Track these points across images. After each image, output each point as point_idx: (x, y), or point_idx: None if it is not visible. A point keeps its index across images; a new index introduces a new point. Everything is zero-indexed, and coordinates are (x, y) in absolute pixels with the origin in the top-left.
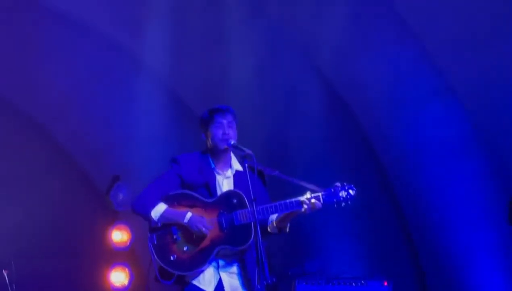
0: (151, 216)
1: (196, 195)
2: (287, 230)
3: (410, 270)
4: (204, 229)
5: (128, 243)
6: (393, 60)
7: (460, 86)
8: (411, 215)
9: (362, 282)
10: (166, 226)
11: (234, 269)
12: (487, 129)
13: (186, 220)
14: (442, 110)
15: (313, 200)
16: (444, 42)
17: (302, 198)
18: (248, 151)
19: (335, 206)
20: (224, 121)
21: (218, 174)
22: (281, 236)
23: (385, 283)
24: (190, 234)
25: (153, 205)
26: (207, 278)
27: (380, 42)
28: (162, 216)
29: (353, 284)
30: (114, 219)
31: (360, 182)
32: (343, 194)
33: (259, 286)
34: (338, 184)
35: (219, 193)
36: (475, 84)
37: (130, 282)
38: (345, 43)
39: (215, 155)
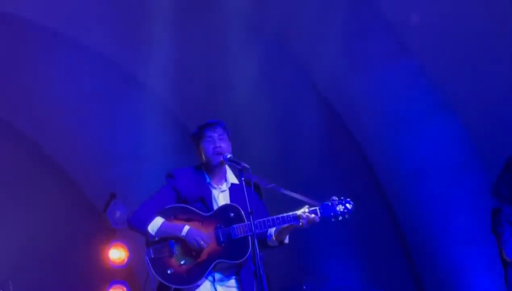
0: (148, 231)
1: (193, 208)
2: (287, 241)
3: (409, 284)
4: (202, 242)
5: (126, 261)
6: (391, 77)
7: (459, 102)
8: (410, 231)
9: None
10: (163, 240)
11: (232, 282)
12: (486, 145)
13: (183, 233)
14: (441, 125)
15: (310, 214)
16: (441, 58)
17: (299, 212)
18: (244, 164)
19: (332, 219)
20: (215, 135)
21: (214, 188)
22: (278, 250)
23: None
24: (188, 247)
25: (150, 220)
26: None
27: (378, 59)
28: (159, 230)
29: None
30: (111, 236)
31: (359, 197)
32: (340, 208)
33: None
34: (335, 197)
35: (215, 207)
36: (474, 99)
37: None
38: (342, 60)
39: (209, 170)
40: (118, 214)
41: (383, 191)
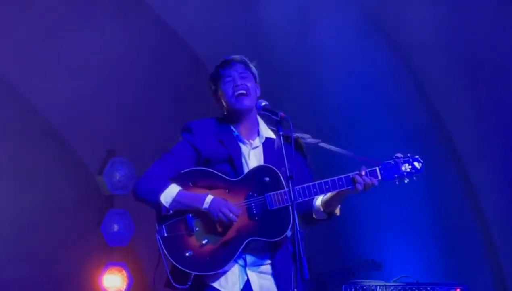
0: (161, 202)
1: (217, 172)
2: (339, 213)
3: (488, 273)
4: (231, 214)
5: (126, 237)
6: None
7: None
8: (492, 207)
9: (428, 288)
10: (179, 214)
11: (266, 268)
12: None
13: (206, 205)
14: None
15: (367, 176)
16: None
17: (354, 174)
18: (283, 114)
19: (397, 182)
20: (234, 73)
21: (243, 143)
22: (321, 228)
23: (458, 290)
24: (211, 222)
25: (163, 188)
26: (230, 280)
27: None
28: (175, 200)
29: None
30: (108, 205)
31: (429, 160)
32: (406, 167)
33: (295, 290)
34: (399, 155)
35: (245, 169)
36: None
37: (128, 287)
38: None
39: (235, 120)
40: (117, 176)
41: (459, 156)
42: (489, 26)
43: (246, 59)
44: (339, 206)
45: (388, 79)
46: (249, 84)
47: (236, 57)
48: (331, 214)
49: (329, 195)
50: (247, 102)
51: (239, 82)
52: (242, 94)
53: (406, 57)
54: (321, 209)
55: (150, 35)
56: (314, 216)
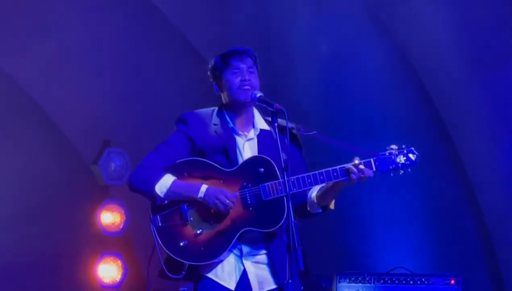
0: (156, 192)
1: (211, 163)
2: (333, 207)
3: (483, 265)
4: (227, 201)
5: (121, 227)
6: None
7: None
8: (487, 197)
9: (423, 280)
10: (174, 204)
11: (261, 258)
12: None
13: (201, 194)
14: None
15: (362, 167)
16: None
17: (349, 165)
18: (278, 106)
19: (391, 174)
20: (243, 66)
21: (238, 135)
22: (315, 225)
23: (452, 281)
24: (206, 212)
25: (158, 178)
26: (227, 270)
27: None
28: (170, 190)
29: (411, 282)
30: (103, 195)
31: (424, 150)
32: (401, 159)
33: (290, 281)
34: (394, 146)
35: (240, 160)
36: None
37: (123, 277)
38: None
39: (232, 111)
40: (113, 166)
41: (456, 150)
42: (489, 20)
43: (255, 53)
44: (333, 200)
45: (385, 74)
46: (254, 81)
47: (248, 50)
48: (325, 208)
49: (324, 187)
50: (249, 97)
51: (247, 77)
52: (247, 89)
53: (404, 51)
54: (316, 202)
55: (147, 26)
56: (308, 209)
